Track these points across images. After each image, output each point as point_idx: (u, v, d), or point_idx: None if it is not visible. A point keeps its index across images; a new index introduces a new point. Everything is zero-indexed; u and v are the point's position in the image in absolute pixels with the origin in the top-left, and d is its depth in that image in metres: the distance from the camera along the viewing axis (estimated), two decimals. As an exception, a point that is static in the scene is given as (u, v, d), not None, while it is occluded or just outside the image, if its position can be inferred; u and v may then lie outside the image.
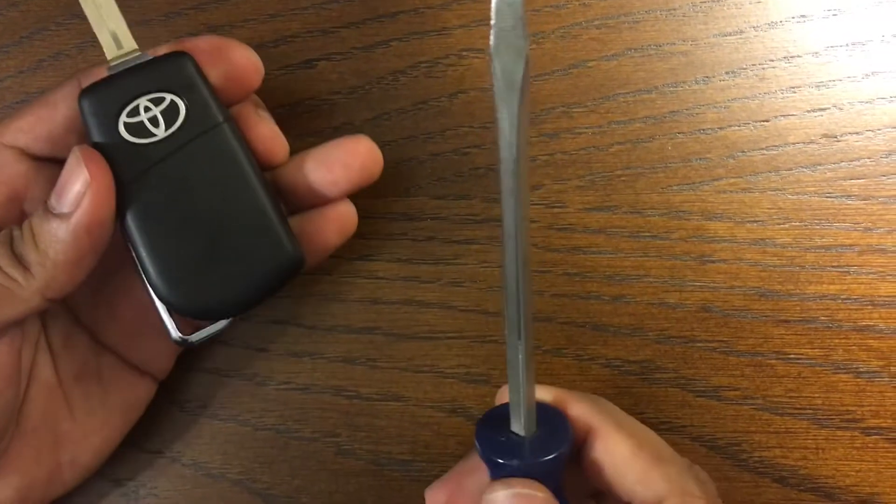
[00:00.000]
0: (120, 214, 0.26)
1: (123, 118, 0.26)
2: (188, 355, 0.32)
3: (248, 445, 0.31)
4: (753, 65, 0.33)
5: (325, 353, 0.32)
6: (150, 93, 0.27)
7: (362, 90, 0.34)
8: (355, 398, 0.31)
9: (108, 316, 0.30)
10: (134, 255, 0.27)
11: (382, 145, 0.32)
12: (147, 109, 0.27)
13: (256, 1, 0.34)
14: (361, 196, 0.32)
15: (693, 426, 0.30)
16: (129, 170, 0.26)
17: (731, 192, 0.32)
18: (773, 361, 0.30)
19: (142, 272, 0.27)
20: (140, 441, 0.32)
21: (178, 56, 0.27)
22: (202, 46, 0.28)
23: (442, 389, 0.31)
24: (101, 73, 0.27)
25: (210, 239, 0.26)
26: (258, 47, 0.33)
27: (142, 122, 0.26)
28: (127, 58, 0.27)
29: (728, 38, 0.33)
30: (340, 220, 0.30)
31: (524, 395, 0.23)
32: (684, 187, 0.32)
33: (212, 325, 0.29)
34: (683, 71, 0.33)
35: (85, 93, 0.27)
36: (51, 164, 0.28)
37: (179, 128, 0.27)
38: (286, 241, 0.27)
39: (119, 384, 0.30)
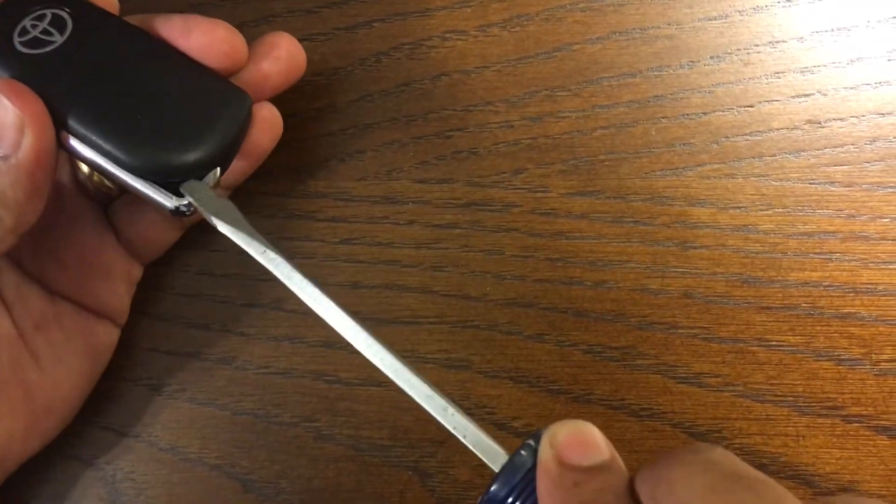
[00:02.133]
0: (60, 124, 0.27)
1: (17, 39, 0.27)
2: (162, 335, 0.33)
3: (227, 430, 0.32)
4: (738, 49, 0.33)
5: (305, 337, 0.32)
6: (27, 15, 0.28)
7: (344, 71, 0.34)
8: (335, 383, 0.32)
9: (55, 264, 0.30)
10: (92, 154, 0.27)
11: (365, 127, 0.33)
12: (34, 27, 0.27)
13: (237, -20, 0.35)
14: (344, 178, 0.33)
15: (674, 412, 0.31)
16: (47, 79, 0.27)
17: (714, 177, 0.33)
18: (754, 348, 0.31)
19: (110, 164, 0.27)
20: (116, 424, 0.32)
21: None
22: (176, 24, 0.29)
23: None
24: None
25: (160, 105, 0.27)
26: (238, 27, 0.33)
27: (35, 37, 0.27)
28: None
29: (713, 22, 0.34)
30: (268, 121, 0.30)
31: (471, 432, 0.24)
32: (668, 172, 0.33)
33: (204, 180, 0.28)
34: (668, 55, 0.34)
35: None
36: None
37: (73, 30, 0.28)
38: (233, 87, 0.28)
39: (80, 329, 0.31)
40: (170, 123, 0.27)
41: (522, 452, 0.23)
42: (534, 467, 0.22)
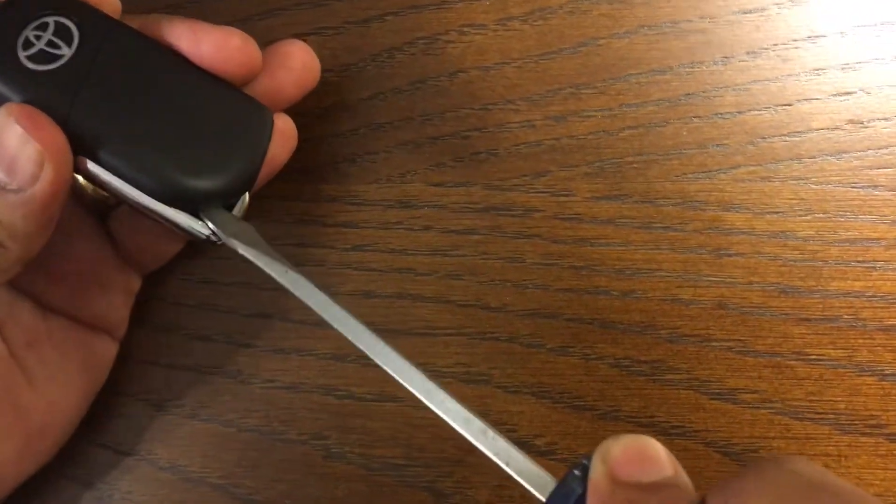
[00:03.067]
0: (77, 149, 0.28)
1: (21, 54, 0.28)
2: (163, 348, 0.35)
3: (231, 448, 0.34)
4: (776, 45, 0.35)
5: (314, 349, 0.35)
6: (28, 24, 0.28)
7: (355, 68, 0.37)
8: (346, 398, 0.34)
9: (47, 279, 0.32)
10: (114, 181, 0.28)
11: (377, 127, 0.35)
12: (38, 38, 0.28)
13: (242, -29, 0.37)
14: (355, 181, 0.35)
15: (707, 431, 0.33)
16: (59, 99, 0.28)
17: (750, 180, 0.35)
18: (792, 362, 0.33)
19: (132, 189, 0.28)
20: (114, 442, 0.34)
21: None
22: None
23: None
24: None
25: (181, 125, 0.28)
26: (243, 21, 0.36)
27: (42, 51, 0.28)
28: None
29: (749, 15, 0.36)
30: (284, 133, 0.33)
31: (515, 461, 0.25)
32: (700, 175, 0.35)
33: (234, 208, 0.30)
34: (701, 50, 0.36)
35: None
36: None
37: (81, 41, 0.29)
38: (253, 102, 0.30)
39: (75, 345, 0.33)
40: (197, 146, 0.28)
41: (576, 472, 0.24)
42: (585, 494, 0.23)
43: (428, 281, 0.35)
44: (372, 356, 0.27)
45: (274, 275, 0.28)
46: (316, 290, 0.28)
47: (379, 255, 0.35)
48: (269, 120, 0.30)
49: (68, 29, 0.29)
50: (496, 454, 0.25)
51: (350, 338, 0.27)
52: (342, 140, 0.36)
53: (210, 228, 0.29)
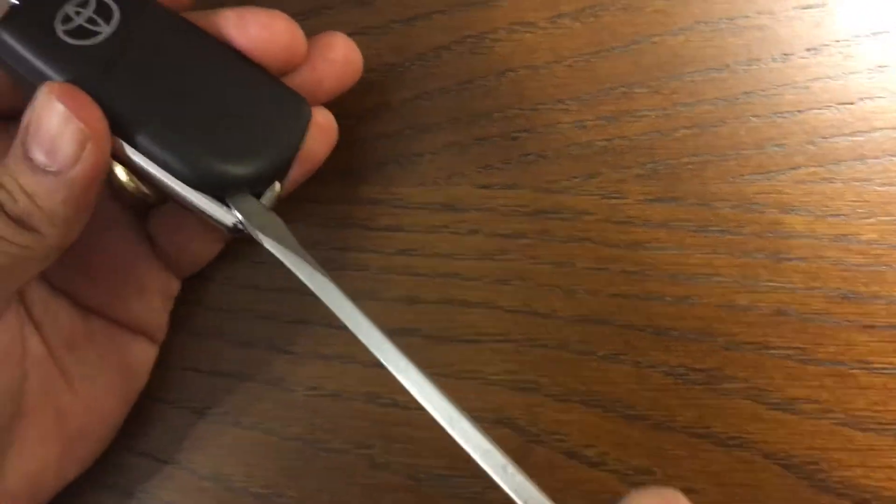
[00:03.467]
0: (115, 129, 0.29)
1: (59, 27, 0.29)
2: (204, 354, 0.36)
3: (273, 457, 0.35)
4: (837, 41, 0.36)
5: (358, 356, 0.36)
6: (69, 0, 0.30)
7: (401, 67, 0.38)
8: (391, 406, 0.35)
9: (84, 278, 0.34)
10: (145, 163, 0.29)
11: (423, 128, 0.36)
12: (78, 14, 0.30)
13: (285, -31, 0.38)
14: (400, 184, 0.36)
15: (766, 442, 0.33)
16: (95, 76, 0.29)
17: (810, 182, 0.35)
18: (855, 371, 0.34)
19: (164, 174, 0.29)
20: (155, 451, 0.36)
21: None
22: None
23: (486, 397, 0.35)
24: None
25: (216, 110, 0.30)
26: (287, 20, 0.37)
27: (81, 26, 0.29)
28: None
29: (809, 10, 0.36)
30: (323, 128, 0.34)
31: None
32: (758, 177, 0.35)
33: (263, 198, 0.31)
34: (759, 47, 0.36)
35: (3, 23, 0.29)
36: None
37: (122, 20, 0.30)
38: (291, 91, 0.31)
39: (114, 346, 0.34)
40: (229, 131, 0.29)
41: None
42: None
43: (475, 286, 0.36)
44: (395, 372, 0.28)
45: (299, 274, 0.29)
46: (341, 297, 0.29)
47: (424, 259, 0.36)
48: (307, 111, 0.31)
49: (109, 7, 0.30)
50: (514, 491, 0.26)
51: (373, 350, 0.28)
52: (387, 142, 0.37)
53: (236, 217, 0.30)
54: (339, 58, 0.33)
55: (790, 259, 0.35)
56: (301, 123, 0.31)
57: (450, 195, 0.37)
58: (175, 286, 0.36)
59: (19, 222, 0.28)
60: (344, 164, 0.37)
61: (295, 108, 0.31)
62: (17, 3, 0.30)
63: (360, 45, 0.36)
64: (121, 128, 0.29)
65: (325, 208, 0.37)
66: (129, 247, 0.35)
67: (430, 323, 0.36)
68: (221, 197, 0.30)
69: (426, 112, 0.37)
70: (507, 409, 0.35)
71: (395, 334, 0.34)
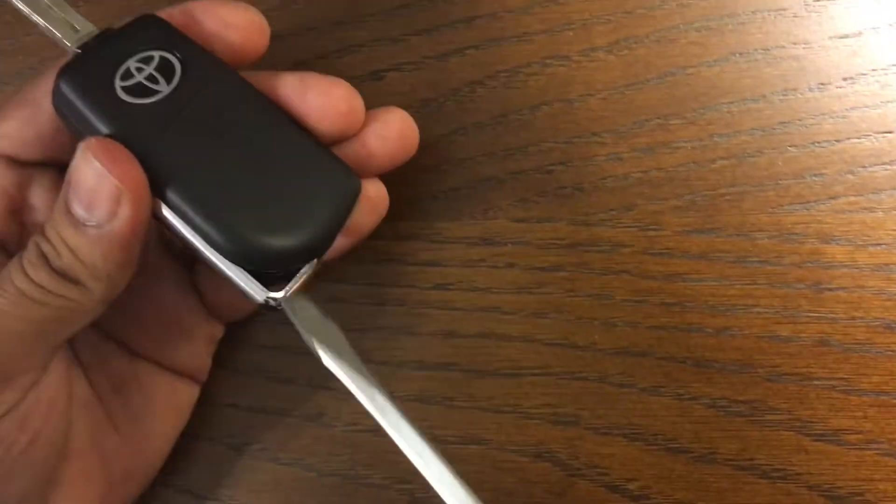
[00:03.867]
0: (153, 189, 0.29)
1: (119, 83, 0.30)
2: (243, 390, 0.38)
3: (313, 492, 0.37)
4: (874, 69, 0.38)
5: (397, 391, 0.37)
6: (134, 54, 0.31)
7: (435, 103, 0.40)
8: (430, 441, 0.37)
9: (133, 325, 0.36)
10: (181, 225, 0.30)
11: (458, 163, 0.38)
12: (139, 70, 0.30)
13: (319, 8, 0.41)
14: (437, 218, 0.38)
15: (810, 474, 0.35)
16: (147, 135, 0.30)
17: (850, 212, 0.37)
18: (900, 401, 0.35)
19: (200, 241, 0.30)
20: (195, 487, 0.38)
21: (146, 18, 0.32)
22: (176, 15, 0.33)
23: (526, 431, 0.37)
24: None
25: (262, 181, 0.30)
26: (322, 58, 0.39)
27: (140, 83, 0.30)
28: (88, 37, 0.31)
29: (845, 40, 0.38)
30: (372, 200, 0.35)
31: None
32: (797, 207, 0.37)
33: (297, 275, 0.31)
34: (795, 77, 0.38)
35: (65, 70, 0.30)
36: (44, 167, 0.33)
37: (181, 80, 0.31)
38: (342, 165, 0.32)
39: (160, 390, 0.36)
40: (271, 203, 0.30)
41: None
42: None
43: (513, 320, 0.38)
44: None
45: (358, 394, 0.31)
46: (403, 423, 0.30)
47: (462, 293, 0.38)
48: (356, 186, 0.32)
49: (172, 66, 0.31)
50: None
51: (436, 488, 0.29)
52: (423, 177, 0.39)
53: (268, 297, 0.30)
54: (394, 134, 0.34)
55: (831, 289, 0.36)
56: (348, 198, 0.31)
57: (486, 229, 0.38)
58: (219, 331, 0.38)
59: (64, 276, 0.29)
60: (383, 201, 0.39)
61: (345, 185, 0.32)
62: (80, 50, 0.31)
63: (394, 81, 0.39)
64: (163, 190, 0.29)
65: (363, 244, 0.39)
66: (176, 296, 0.37)
67: (469, 357, 0.37)
68: (258, 272, 0.30)
69: (461, 147, 0.39)
70: (548, 443, 0.36)
71: (433, 368, 0.36)
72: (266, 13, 0.39)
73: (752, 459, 0.35)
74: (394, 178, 0.38)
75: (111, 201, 0.28)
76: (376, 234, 0.38)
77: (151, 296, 0.36)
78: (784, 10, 0.38)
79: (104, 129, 0.30)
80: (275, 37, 0.40)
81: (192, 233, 0.30)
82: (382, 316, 0.38)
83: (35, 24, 0.32)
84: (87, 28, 0.32)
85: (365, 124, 0.34)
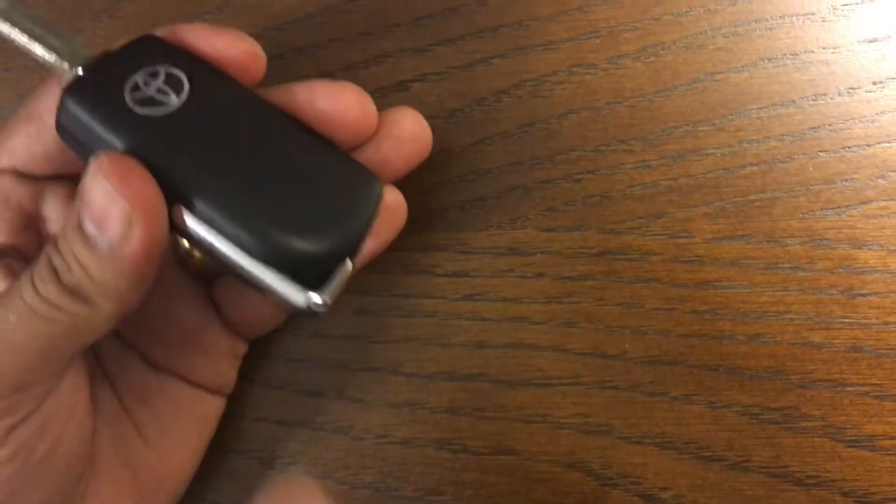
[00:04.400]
0: (175, 199, 0.31)
1: (129, 96, 0.31)
2: (273, 404, 0.41)
3: (344, 505, 0.40)
4: (904, 73, 0.40)
5: (427, 402, 0.40)
6: (140, 69, 0.32)
7: (462, 113, 0.42)
8: (461, 452, 0.39)
9: (152, 339, 0.38)
10: (211, 236, 0.31)
11: (485, 173, 0.41)
12: (147, 84, 0.32)
13: (343, 19, 0.43)
14: (464, 228, 0.41)
15: (844, 480, 0.37)
16: (161, 146, 0.31)
17: (882, 216, 0.39)
18: (935, 407, 0.37)
19: (232, 248, 0.31)
20: (226, 501, 0.40)
21: (148, 38, 0.34)
22: (177, 34, 0.34)
23: (558, 441, 0.39)
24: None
25: (286, 185, 0.32)
26: (347, 69, 0.42)
27: (150, 96, 0.32)
28: (89, 60, 0.33)
29: (875, 44, 0.41)
30: (391, 209, 0.37)
31: None
32: (828, 212, 0.39)
33: (333, 277, 0.32)
34: (825, 82, 0.41)
35: (69, 91, 0.32)
36: (57, 179, 0.36)
37: (191, 93, 0.32)
38: (361, 167, 0.34)
39: (186, 401, 0.39)
40: (300, 205, 0.31)
41: None
42: None
43: (543, 330, 0.40)
44: None
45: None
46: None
47: (491, 304, 0.41)
48: (378, 187, 0.34)
49: (179, 80, 0.32)
50: None
51: None
52: (450, 187, 0.42)
53: (313, 298, 0.31)
54: (406, 135, 0.36)
55: (864, 295, 0.39)
56: (373, 199, 0.33)
57: (514, 239, 0.41)
58: (242, 348, 0.41)
59: (73, 292, 0.30)
60: (409, 212, 0.41)
61: (366, 183, 0.34)
62: (82, 73, 0.32)
63: (420, 91, 0.41)
64: (185, 198, 0.31)
65: (390, 255, 0.41)
66: (195, 313, 0.39)
67: (498, 367, 0.40)
68: (293, 274, 0.31)
69: (488, 156, 0.42)
70: (580, 453, 0.39)
71: (463, 379, 0.39)
72: (288, 26, 0.42)
73: (785, 467, 0.38)
74: (420, 188, 0.41)
75: (122, 223, 0.29)
76: (403, 245, 0.41)
77: (169, 313, 0.38)
78: (812, 14, 0.41)
79: (118, 144, 0.31)
80: (299, 49, 0.43)
81: (223, 241, 0.31)
82: (411, 327, 0.41)
83: (31, 53, 0.33)
84: (85, 52, 0.33)
85: (378, 127, 0.36)
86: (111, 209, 0.29)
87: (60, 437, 0.33)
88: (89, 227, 0.30)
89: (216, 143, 0.32)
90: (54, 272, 0.30)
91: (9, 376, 0.31)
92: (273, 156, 0.32)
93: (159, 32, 0.34)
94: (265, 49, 0.42)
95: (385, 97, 0.43)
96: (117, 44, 0.34)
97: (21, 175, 0.35)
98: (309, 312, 0.32)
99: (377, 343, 0.41)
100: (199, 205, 0.31)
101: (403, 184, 0.39)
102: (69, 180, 0.36)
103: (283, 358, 0.42)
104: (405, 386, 0.40)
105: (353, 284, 0.37)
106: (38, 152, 0.34)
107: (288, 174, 0.32)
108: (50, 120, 0.32)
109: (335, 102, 0.34)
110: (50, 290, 0.30)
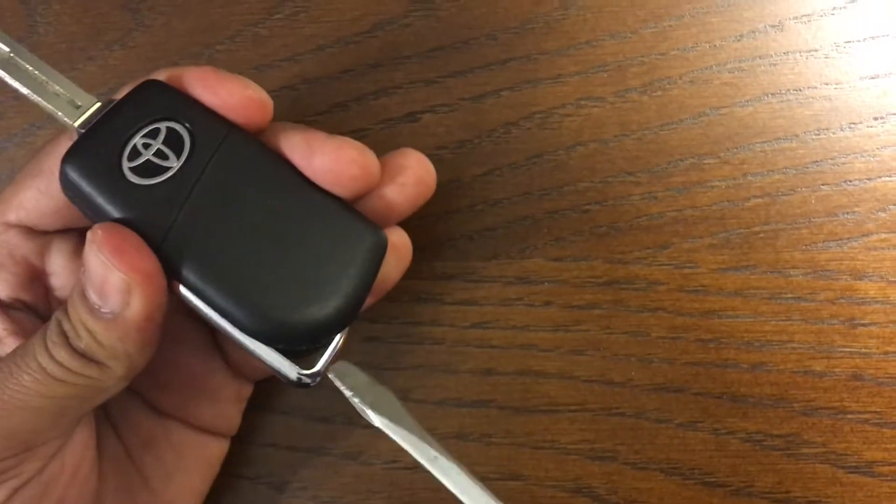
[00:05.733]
0: (171, 273, 0.33)
1: (126, 165, 0.33)
2: (282, 430, 0.45)
3: (353, 529, 0.44)
4: (904, 109, 0.45)
5: (436, 428, 0.44)
6: (140, 129, 0.34)
7: (471, 144, 0.47)
8: (469, 478, 0.43)
9: (157, 387, 0.41)
10: (203, 306, 0.33)
11: (494, 203, 0.45)
12: (146, 147, 0.34)
13: (354, 51, 0.48)
14: (473, 258, 0.45)
15: (845, 506, 0.41)
16: (158, 217, 0.33)
17: (882, 248, 0.44)
18: (934, 434, 0.42)
19: (225, 323, 0.33)
20: (235, 525, 0.44)
21: (149, 84, 0.35)
22: (186, 77, 0.36)
23: (564, 467, 0.43)
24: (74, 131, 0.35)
25: (284, 250, 0.33)
26: (358, 100, 0.46)
27: (149, 161, 0.33)
28: (90, 112, 0.35)
29: (876, 80, 0.45)
30: (397, 250, 0.39)
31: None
32: (830, 244, 0.44)
33: (327, 348, 0.35)
34: (827, 117, 0.45)
35: (68, 158, 0.33)
36: (64, 232, 0.38)
37: (191, 152, 0.34)
38: (364, 223, 0.35)
39: (190, 446, 0.41)
40: (296, 276, 0.33)
41: None
42: None
43: (550, 357, 0.44)
44: None
45: (421, 460, 0.34)
46: (469, 481, 0.34)
47: (500, 332, 0.45)
48: (383, 245, 0.35)
49: (180, 137, 0.34)
50: None
51: None
52: (459, 217, 0.46)
53: (303, 372, 0.34)
54: (411, 181, 0.38)
55: (864, 325, 0.43)
56: (375, 256, 0.35)
57: (523, 268, 0.45)
58: (247, 390, 0.44)
59: (84, 356, 0.33)
60: (417, 240, 0.45)
61: (369, 240, 0.35)
62: (83, 131, 0.34)
63: (429, 123, 0.46)
64: (181, 272, 0.33)
65: (400, 283, 0.45)
66: (200, 359, 0.41)
67: (507, 394, 0.44)
68: (291, 351, 0.34)
69: (497, 187, 0.46)
70: (586, 479, 0.43)
71: (471, 405, 0.43)
72: (300, 56, 0.47)
73: (788, 492, 0.42)
74: (430, 217, 0.45)
75: (121, 292, 0.32)
76: (413, 273, 0.45)
77: (174, 359, 0.41)
78: (815, 51, 0.46)
79: (114, 214, 0.33)
80: (310, 80, 0.47)
81: (217, 315, 0.33)
82: (420, 354, 0.45)
83: (34, 103, 0.35)
84: (87, 101, 0.35)
85: (383, 172, 0.37)
86: (109, 279, 0.32)
87: (64, 495, 0.36)
88: (92, 296, 0.32)
89: (213, 211, 0.33)
90: (64, 336, 0.33)
91: (21, 436, 0.33)
92: (271, 217, 0.34)
93: (164, 75, 0.36)
94: (276, 80, 0.47)
95: (395, 128, 0.47)
96: (120, 91, 0.36)
97: (29, 230, 0.37)
98: (302, 385, 0.34)
99: (387, 370, 0.45)
100: (192, 278, 0.33)
101: (415, 216, 0.43)
102: (76, 233, 0.38)
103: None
104: (414, 412, 0.44)
105: (363, 312, 0.41)
106: (46, 208, 0.37)
107: (286, 237, 0.34)
108: (57, 178, 0.35)
109: (334, 160, 0.35)
110: (62, 354, 0.32)
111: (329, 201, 0.35)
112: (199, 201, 0.33)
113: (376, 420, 0.34)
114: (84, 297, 0.33)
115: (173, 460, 0.41)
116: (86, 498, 0.37)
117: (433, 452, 0.34)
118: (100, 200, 0.33)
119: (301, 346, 0.34)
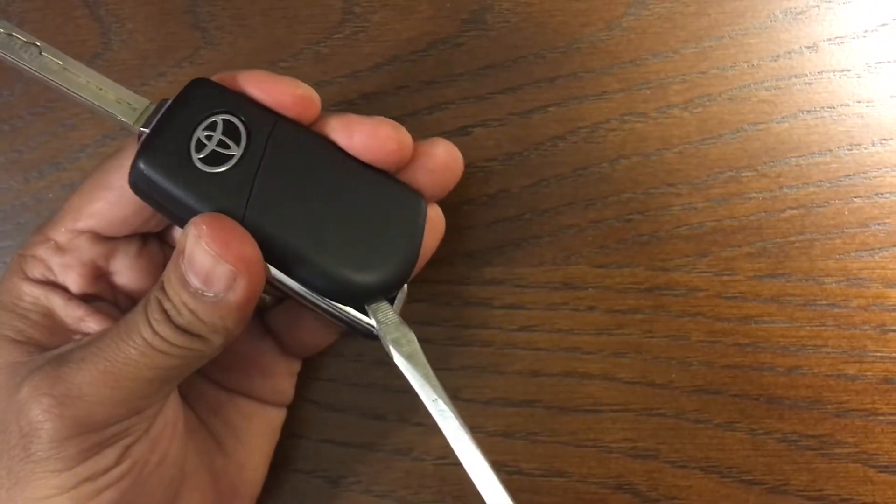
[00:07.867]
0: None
1: (195, 156, 0.35)
2: (337, 426, 0.47)
3: (405, 521, 0.46)
4: (934, 126, 0.47)
5: (484, 427, 0.46)
6: (200, 123, 0.36)
7: (519, 156, 0.49)
8: (516, 474, 0.46)
9: (218, 367, 0.42)
10: (284, 279, 0.36)
11: (541, 213, 0.48)
12: (209, 138, 0.36)
13: (410, 68, 0.50)
14: (521, 264, 0.47)
15: (876, 503, 0.43)
16: (233, 200, 0.35)
17: (913, 258, 0.46)
18: (962, 436, 0.44)
19: (308, 290, 0.36)
20: (293, 516, 0.47)
21: (197, 83, 0.37)
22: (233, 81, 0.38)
23: (607, 465, 0.45)
24: (134, 140, 0.37)
25: (346, 220, 0.36)
26: (412, 115, 0.49)
27: (214, 151, 0.36)
28: (146, 112, 0.37)
29: (907, 98, 0.47)
30: (432, 222, 0.40)
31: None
32: (863, 254, 0.46)
33: (396, 301, 0.39)
34: (860, 133, 0.47)
35: (142, 156, 0.36)
36: (129, 238, 0.41)
37: (248, 139, 0.36)
38: (410, 190, 0.38)
39: (253, 411, 0.44)
40: (360, 240, 0.36)
41: None
42: None
43: (594, 359, 0.46)
44: None
45: (421, 395, 0.36)
46: (459, 428, 0.36)
47: (546, 335, 0.47)
48: (424, 208, 0.38)
49: (236, 127, 0.36)
50: None
51: (478, 485, 0.35)
52: (507, 225, 0.49)
53: (370, 324, 0.37)
54: (440, 167, 0.40)
55: (895, 330, 0.45)
56: (420, 222, 0.38)
57: (568, 274, 0.47)
58: (297, 366, 0.47)
59: (185, 331, 0.35)
60: (468, 247, 0.48)
61: (414, 207, 0.38)
62: (146, 129, 0.36)
63: (481, 135, 0.48)
64: (263, 251, 0.35)
65: (451, 288, 0.48)
66: (253, 342, 0.44)
67: (552, 394, 0.46)
68: (361, 306, 0.37)
69: (544, 197, 0.48)
70: (628, 476, 0.45)
71: (518, 405, 0.45)
72: (359, 74, 0.49)
73: (821, 490, 0.44)
74: (479, 226, 0.47)
75: (227, 280, 0.35)
76: (463, 279, 0.48)
77: (232, 345, 0.42)
78: (848, 70, 0.48)
79: (194, 204, 0.35)
80: (367, 96, 0.50)
81: (299, 285, 0.37)
82: (470, 356, 0.47)
83: (91, 109, 0.37)
84: (140, 103, 0.37)
85: (413, 158, 0.39)
86: (216, 270, 0.34)
87: (167, 449, 0.39)
88: (194, 282, 0.35)
89: (278, 190, 0.36)
90: (166, 313, 0.35)
91: (131, 403, 0.36)
92: (330, 192, 0.37)
93: (217, 76, 0.38)
94: (335, 95, 0.50)
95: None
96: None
97: (97, 236, 0.40)
98: (372, 337, 0.38)
99: (437, 370, 0.46)
100: (275, 255, 0.36)
101: (463, 221, 0.46)
102: (138, 237, 0.41)
103: (347, 383, 0.48)
104: (464, 410, 0.45)
105: (416, 315, 0.43)
106: (115, 217, 0.39)
107: (345, 208, 0.37)
108: (126, 190, 0.37)
109: (372, 135, 0.38)
110: (165, 330, 0.35)
111: (373, 172, 0.38)
112: (264, 183, 0.36)
113: (395, 356, 0.36)
114: (185, 282, 0.35)
115: (241, 424, 0.44)
116: (182, 455, 0.40)
117: (434, 395, 0.36)
118: (179, 192, 0.35)
119: (375, 302, 0.37)
